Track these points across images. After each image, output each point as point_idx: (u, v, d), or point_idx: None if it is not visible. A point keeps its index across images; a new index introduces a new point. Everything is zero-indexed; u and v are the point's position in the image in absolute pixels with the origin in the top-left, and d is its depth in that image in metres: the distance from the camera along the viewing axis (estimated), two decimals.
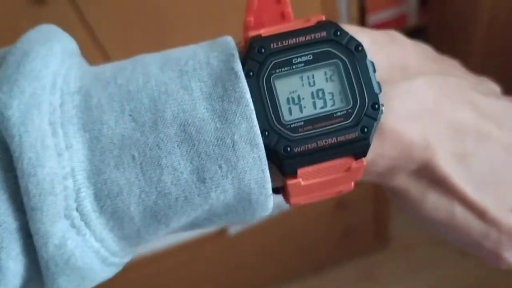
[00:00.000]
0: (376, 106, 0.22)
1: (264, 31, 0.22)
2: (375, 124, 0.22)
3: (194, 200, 0.21)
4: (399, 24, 1.29)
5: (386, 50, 0.25)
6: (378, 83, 0.22)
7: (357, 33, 0.24)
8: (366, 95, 0.22)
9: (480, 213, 0.26)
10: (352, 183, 0.23)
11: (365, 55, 0.22)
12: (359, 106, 0.22)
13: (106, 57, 0.91)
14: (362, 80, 0.22)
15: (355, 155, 0.22)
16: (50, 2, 0.81)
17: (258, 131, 0.21)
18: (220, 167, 0.21)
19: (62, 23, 0.84)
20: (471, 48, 1.21)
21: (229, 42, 0.22)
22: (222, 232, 1.11)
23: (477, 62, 1.23)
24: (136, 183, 0.20)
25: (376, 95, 0.22)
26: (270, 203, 0.22)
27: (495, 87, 0.30)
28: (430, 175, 0.25)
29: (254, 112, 0.21)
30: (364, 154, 0.22)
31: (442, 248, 1.19)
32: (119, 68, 0.22)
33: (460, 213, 0.26)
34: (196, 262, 1.15)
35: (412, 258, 1.29)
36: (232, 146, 0.21)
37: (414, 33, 1.34)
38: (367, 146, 0.22)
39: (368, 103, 0.22)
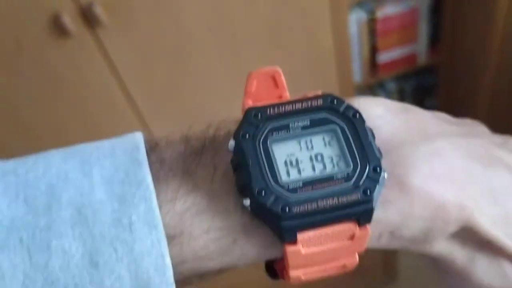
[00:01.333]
0: (378, 169, 0.21)
1: (260, 104, 0.22)
2: (377, 186, 0.21)
3: None
4: (409, 63, 1.30)
5: (402, 117, 0.24)
6: (379, 149, 0.22)
7: (369, 102, 0.24)
8: (367, 158, 0.21)
9: None
10: (357, 256, 0.22)
11: (363, 121, 0.22)
12: (360, 169, 0.21)
13: (123, 88, 0.94)
14: (362, 144, 0.21)
15: (359, 220, 0.21)
16: (73, 35, 0.83)
17: (158, 213, 0.20)
18: (115, 249, 0.19)
19: (85, 56, 0.86)
20: (480, 87, 1.23)
21: (136, 136, 0.22)
22: None
23: (486, 101, 1.24)
24: (20, 267, 0.19)
25: (378, 159, 0.21)
26: None
27: None
28: (474, 238, 0.24)
29: (154, 194, 0.20)
30: (368, 220, 0.21)
31: None
32: (22, 160, 0.22)
33: None
34: None
35: None
36: (129, 227, 0.19)
37: (423, 72, 1.37)
38: (370, 210, 0.21)
39: (369, 166, 0.21)
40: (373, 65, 1.27)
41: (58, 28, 0.82)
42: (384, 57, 1.25)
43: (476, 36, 1.15)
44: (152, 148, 0.23)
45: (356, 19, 1.18)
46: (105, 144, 0.22)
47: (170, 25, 0.90)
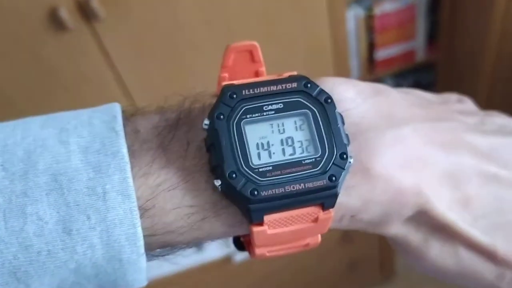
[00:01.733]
0: (345, 156, 0.22)
1: (237, 82, 0.23)
2: (343, 173, 0.22)
3: (58, 254, 0.20)
4: (407, 60, 1.30)
5: (371, 101, 0.25)
6: (347, 135, 0.22)
7: (341, 85, 0.24)
8: (335, 145, 0.22)
9: (490, 256, 0.25)
10: (319, 237, 0.23)
11: (334, 107, 0.23)
12: (328, 155, 0.22)
13: (120, 81, 0.94)
14: (331, 131, 0.22)
15: (323, 204, 0.22)
16: (71, 29, 0.84)
17: (131, 183, 0.20)
18: (88, 217, 0.20)
19: (82, 49, 0.87)
20: (478, 82, 1.22)
21: (115, 106, 0.23)
22: (227, 260, 1.11)
23: (484, 97, 1.24)
24: None
25: (345, 145, 0.22)
26: (142, 263, 0.21)
27: (504, 120, 0.29)
28: (429, 222, 0.24)
29: (129, 164, 0.20)
30: (332, 204, 0.22)
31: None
32: (1, 126, 0.22)
33: (468, 259, 0.25)
34: None
35: None
36: (103, 196, 0.20)
37: (421, 69, 1.36)
38: (335, 195, 0.22)
39: (336, 153, 0.22)
40: (371, 62, 1.27)
41: (55, 22, 0.83)
42: (382, 54, 1.25)
43: (474, 32, 1.15)
44: (127, 118, 0.23)
45: (353, 16, 1.18)
46: (84, 113, 0.23)
47: (166, 18, 0.91)
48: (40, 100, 0.92)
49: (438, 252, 0.25)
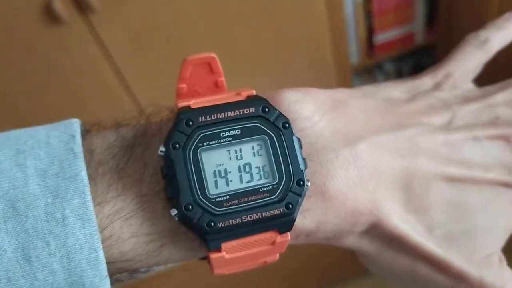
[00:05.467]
0: (301, 182, 0.22)
1: (193, 103, 0.22)
2: (299, 200, 0.22)
3: (18, 282, 0.19)
4: (406, 43, 1.29)
5: (328, 117, 0.25)
6: (304, 159, 0.22)
7: (298, 103, 0.24)
8: (291, 172, 0.22)
9: (444, 268, 0.24)
10: (277, 255, 0.23)
11: (291, 132, 0.23)
12: (285, 182, 0.22)
13: (117, 73, 0.93)
14: (288, 156, 0.22)
15: (280, 230, 0.22)
16: (66, 22, 0.83)
17: (91, 207, 0.20)
18: (48, 244, 0.19)
19: (77, 42, 0.86)
20: None
21: (73, 123, 0.22)
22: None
23: (483, 78, 1.23)
24: None
25: (302, 172, 0.22)
26: (106, 285, 0.21)
27: (480, 105, 0.28)
28: (383, 234, 0.24)
29: (88, 188, 0.20)
30: (288, 229, 0.22)
31: None
32: None
33: (423, 269, 0.25)
34: (200, 278, 1.15)
35: None
36: (62, 221, 0.20)
37: (421, 51, 1.35)
38: (292, 221, 0.22)
39: (293, 180, 0.22)
40: (370, 46, 1.25)
41: (50, 15, 0.82)
42: (381, 37, 1.24)
43: (472, 14, 1.14)
44: (83, 135, 0.23)
45: (351, 0, 1.16)
46: (41, 131, 0.22)
47: (161, 7, 0.90)
48: (36, 94, 0.92)
49: (392, 262, 0.25)
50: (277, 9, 0.99)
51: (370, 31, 1.23)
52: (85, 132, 0.23)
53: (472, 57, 0.30)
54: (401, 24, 1.24)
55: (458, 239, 0.25)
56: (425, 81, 0.30)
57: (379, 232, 0.24)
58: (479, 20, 1.12)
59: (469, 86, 0.31)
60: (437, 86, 0.30)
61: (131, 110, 0.25)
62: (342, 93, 0.27)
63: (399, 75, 1.38)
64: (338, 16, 1.07)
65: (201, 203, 0.21)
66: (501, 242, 0.26)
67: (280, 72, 1.09)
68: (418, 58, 1.37)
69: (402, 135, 0.25)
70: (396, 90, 0.29)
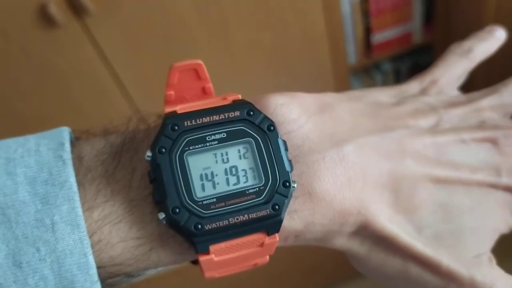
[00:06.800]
0: (287, 183, 0.22)
1: (179, 108, 0.23)
2: (286, 201, 0.22)
3: (10, 287, 0.20)
4: (404, 42, 1.29)
5: (315, 119, 0.25)
6: (290, 161, 0.23)
7: (284, 106, 0.24)
8: (277, 173, 0.22)
9: (433, 268, 0.24)
10: (267, 257, 0.23)
11: (277, 134, 0.23)
12: (271, 183, 0.22)
13: (114, 75, 0.93)
14: (274, 159, 0.22)
15: (267, 231, 0.22)
16: (61, 25, 0.83)
17: (80, 213, 0.20)
18: (38, 249, 0.20)
19: (73, 45, 0.86)
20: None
21: (62, 131, 0.23)
22: None
23: (482, 77, 1.23)
24: None
25: (288, 173, 0.22)
26: None
27: (466, 109, 0.29)
28: (372, 235, 0.25)
29: (77, 194, 0.21)
30: (276, 230, 0.22)
31: None
32: None
33: (413, 270, 0.25)
34: (191, 283, 1.14)
35: None
36: (52, 227, 0.20)
37: (419, 50, 1.35)
38: (279, 222, 0.22)
39: (279, 181, 0.22)
40: (367, 46, 1.25)
41: (45, 18, 0.82)
42: (378, 37, 1.24)
43: (470, 12, 1.14)
44: (73, 143, 0.23)
45: (348, 0, 1.16)
46: (31, 140, 0.22)
47: (157, 9, 0.90)
48: (32, 97, 0.91)
49: (383, 263, 0.25)
50: (274, 10, 0.99)
51: (368, 31, 1.23)
52: (74, 140, 0.24)
53: (456, 65, 0.32)
54: (398, 23, 1.24)
55: (447, 239, 0.25)
56: (412, 86, 0.31)
57: (368, 232, 0.25)
58: (477, 18, 1.12)
59: (455, 92, 0.32)
60: (423, 91, 0.31)
61: (127, 112, 0.25)
62: (329, 97, 0.27)
63: (397, 74, 1.38)
64: (335, 16, 1.07)
65: (188, 206, 0.21)
66: (491, 242, 0.26)
67: (277, 72, 1.08)
68: (416, 58, 1.37)
69: (389, 137, 0.26)
70: (383, 94, 0.30)
